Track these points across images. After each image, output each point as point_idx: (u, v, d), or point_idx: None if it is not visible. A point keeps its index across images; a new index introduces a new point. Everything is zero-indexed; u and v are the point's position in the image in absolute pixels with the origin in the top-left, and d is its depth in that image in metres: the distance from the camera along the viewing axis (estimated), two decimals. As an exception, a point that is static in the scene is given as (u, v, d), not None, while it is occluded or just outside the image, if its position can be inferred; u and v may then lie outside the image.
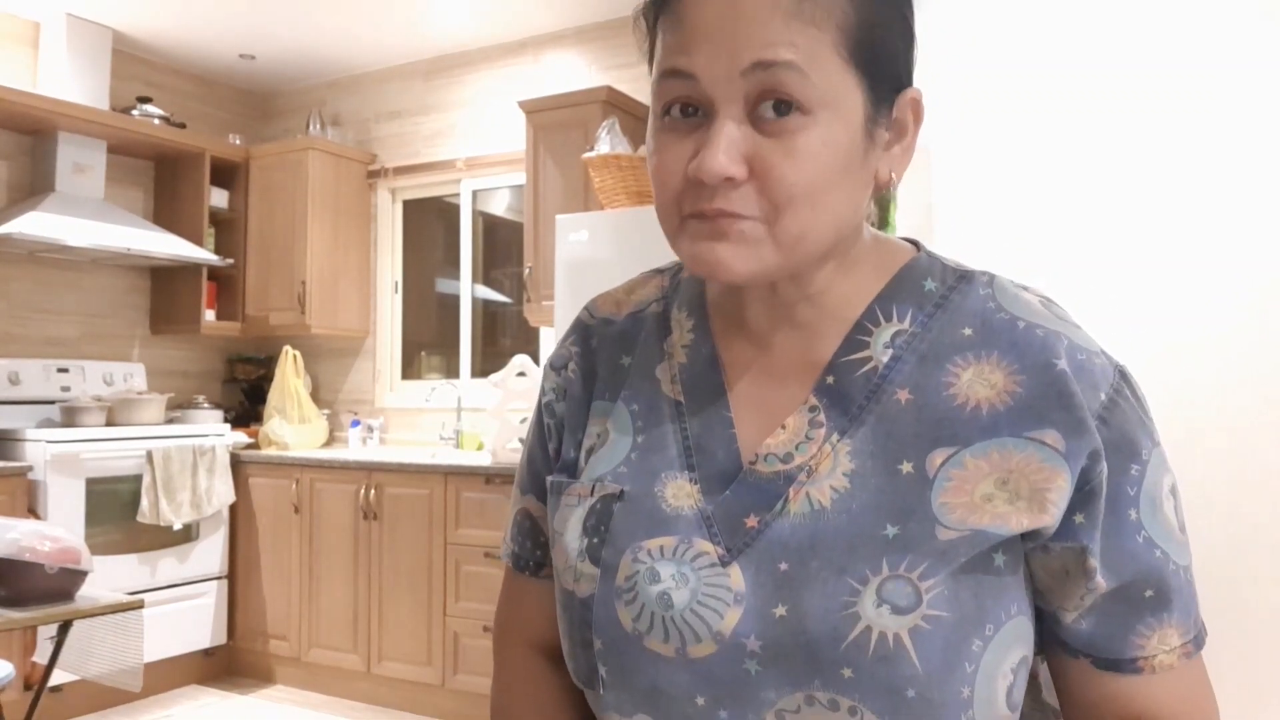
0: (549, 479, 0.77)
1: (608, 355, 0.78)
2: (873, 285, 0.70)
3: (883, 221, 2.80)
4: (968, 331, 0.67)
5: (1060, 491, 0.63)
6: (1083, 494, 0.63)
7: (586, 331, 0.81)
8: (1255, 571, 2.50)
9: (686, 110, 0.64)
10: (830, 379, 0.68)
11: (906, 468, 0.64)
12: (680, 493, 0.69)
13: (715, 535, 0.67)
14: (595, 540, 0.70)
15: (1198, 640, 0.67)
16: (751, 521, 0.66)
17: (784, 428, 0.68)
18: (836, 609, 0.61)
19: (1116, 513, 0.64)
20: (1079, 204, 2.77)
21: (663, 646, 0.65)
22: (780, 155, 0.61)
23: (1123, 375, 0.67)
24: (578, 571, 0.70)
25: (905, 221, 2.98)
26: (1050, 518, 0.63)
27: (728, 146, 0.61)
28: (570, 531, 0.72)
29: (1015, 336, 0.66)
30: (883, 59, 0.65)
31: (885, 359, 0.68)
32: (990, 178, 2.89)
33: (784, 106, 0.61)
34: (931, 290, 0.70)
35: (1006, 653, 0.63)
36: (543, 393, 0.82)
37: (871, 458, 0.65)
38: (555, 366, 0.81)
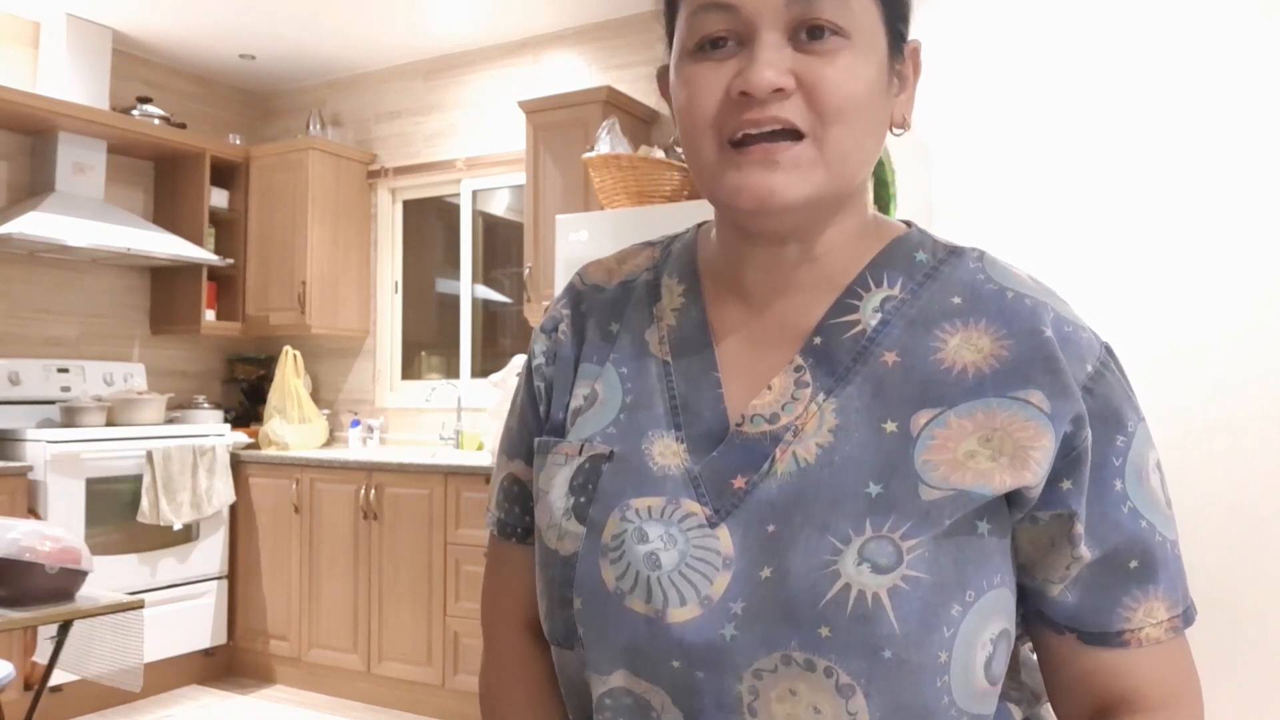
0: (536, 440, 0.77)
1: (597, 321, 0.79)
2: (866, 253, 0.72)
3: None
4: (957, 300, 0.68)
5: (1044, 450, 0.63)
6: (1068, 460, 0.64)
7: (577, 296, 0.81)
8: (1256, 569, 2.50)
9: (719, 43, 0.65)
10: (818, 340, 0.69)
11: (891, 427, 0.65)
12: (667, 451, 0.69)
13: (703, 496, 0.67)
14: (582, 499, 0.70)
15: (1186, 616, 0.67)
16: (739, 482, 0.66)
17: (770, 388, 0.68)
18: (817, 566, 0.61)
19: (1102, 482, 0.65)
20: (1080, 203, 2.77)
21: (643, 607, 0.65)
22: (829, 69, 0.63)
23: (1108, 350, 0.68)
24: (562, 530, 0.70)
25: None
26: (1032, 475, 0.63)
27: (774, 60, 0.62)
28: (556, 490, 0.72)
29: (1003, 305, 0.67)
30: (897, 1, 0.68)
31: (874, 323, 0.69)
32: (991, 177, 2.89)
33: (821, 31, 0.63)
34: (923, 261, 0.71)
35: (986, 622, 0.63)
36: (532, 355, 0.81)
37: (856, 414, 0.66)
38: (545, 330, 0.81)
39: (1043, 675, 0.71)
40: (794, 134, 0.63)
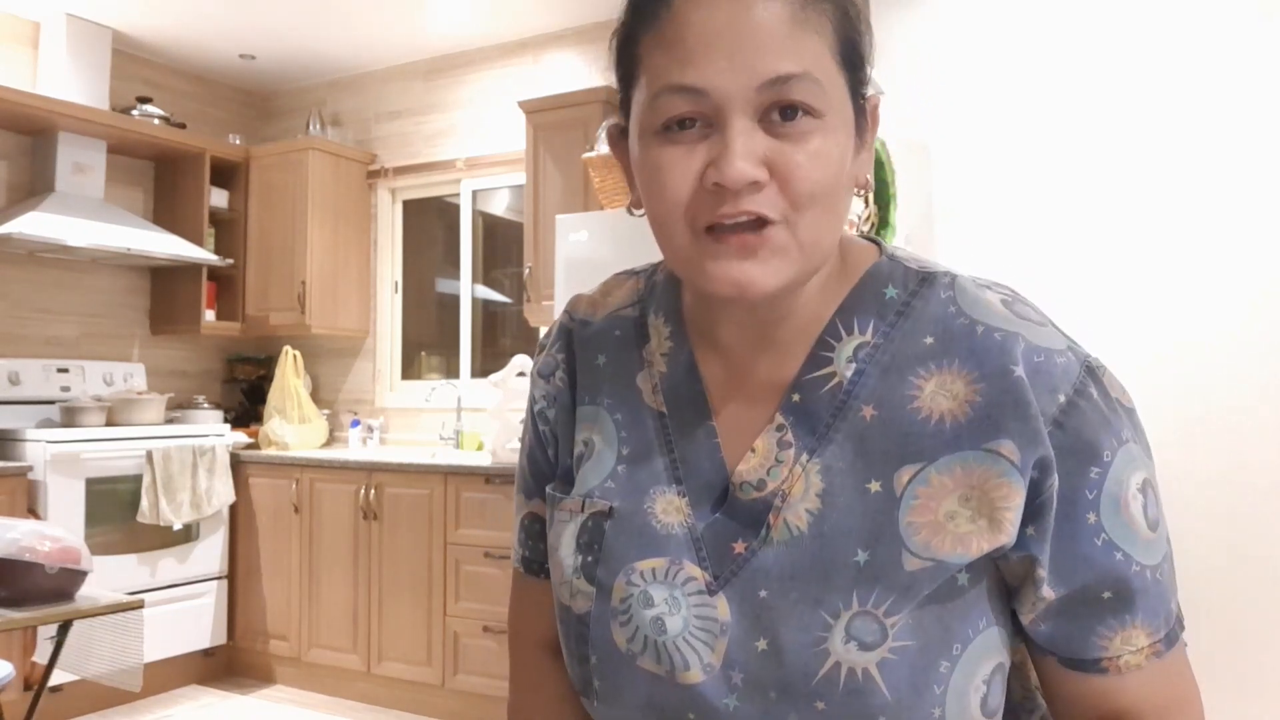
0: (547, 490, 0.79)
1: (585, 357, 0.79)
2: (837, 295, 0.70)
3: (883, 221, 2.80)
4: (929, 340, 0.67)
5: (1016, 510, 0.63)
6: (1034, 507, 0.64)
7: (569, 336, 0.81)
8: (1258, 569, 2.50)
9: (686, 123, 0.63)
10: (796, 397, 0.69)
11: (875, 486, 0.65)
12: (670, 507, 0.70)
13: (704, 560, 0.68)
14: (589, 559, 0.71)
15: (1169, 638, 0.66)
16: (739, 547, 0.67)
17: (754, 450, 0.68)
18: (809, 644, 0.63)
19: (1072, 518, 0.64)
20: (1080, 202, 2.77)
21: (655, 667, 0.67)
22: (801, 156, 0.61)
23: (1089, 371, 0.65)
24: (573, 588, 0.72)
25: (905, 221, 2.98)
26: (1007, 536, 0.63)
27: (747, 151, 0.60)
28: (565, 547, 0.73)
29: (974, 343, 0.65)
30: (859, 63, 0.66)
31: (849, 373, 0.68)
32: (990, 176, 2.89)
33: (794, 111, 0.61)
34: (893, 298, 0.69)
35: (977, 667, 0.65)
36: (533, 400, 0.82)
37: (840, 476, 0.66)
38: (544, 374, 0.81)
39: (1041, 688, 0.72)
40: (765, 222, 0.62)
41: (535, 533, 0.83)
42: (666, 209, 0.64)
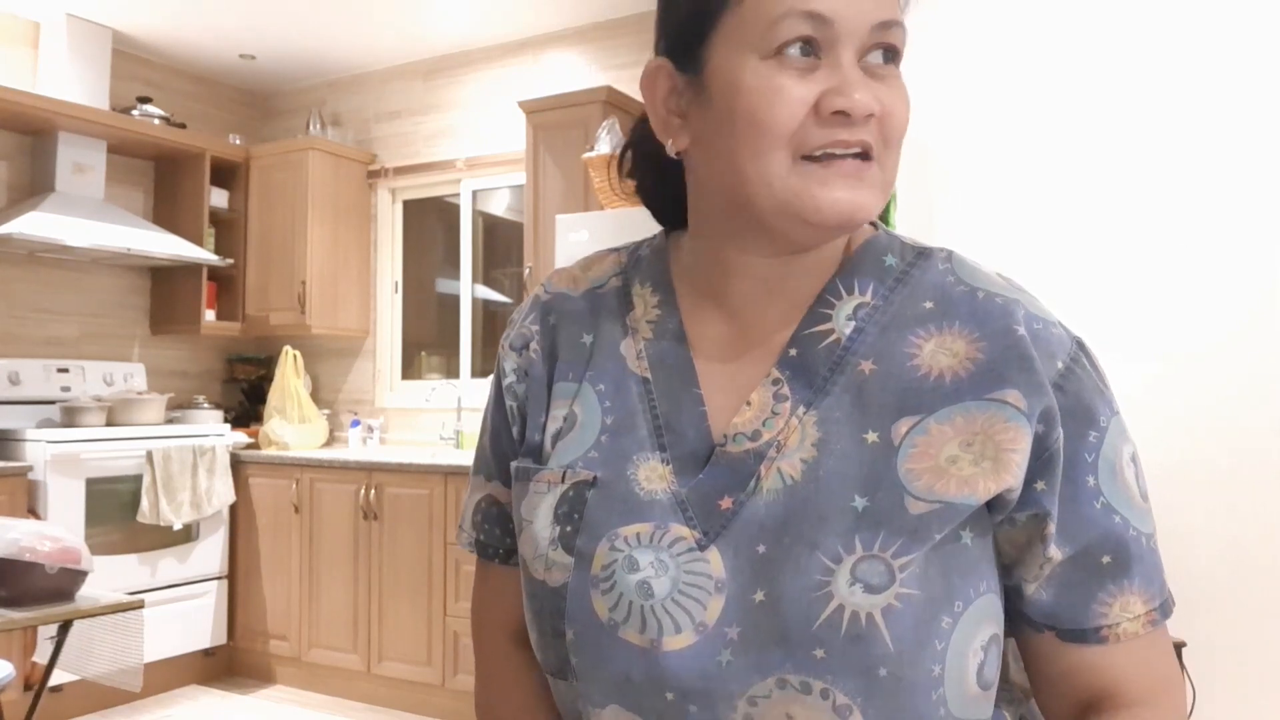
0: (514, 464, 0.76)
1: (568, 333, 0.77)
2: (836, 259, 0.72)
3: (883, 220, 2.80)
4: (928, 305, 0.69)
5: (1023, 453, 0.63)
6: (1041, 460, 0.64)
7: (545, 308, 0.79)
8: (1258, 567, 2.50)
9: (806, 50, 0.64)
10: (793, 351, 0.69)
11: (872, 437, 0.65)
12: (653, 474, 0.69)
13: (691, 519, 0.66)
14: (569, 528, 0.69)
15: (1164, 609, 0.67)
16: (726, 503, 0.66)
17: (749, 404, 0.68)
18: (811, 588, 0.61)
19: (1074, 479, 0.65)
20: (1081, 201, 2.77)
21: (637, 638, 0.65)
22: (896, 96, 0.65)
23: (1080, 345, 0.68)
24: (549, 560, 0.69)
25: (906, 220, 2.98)
26: (1013, 478, 0.63)
27: (864, 82, 0.63)
28: (540, 519, 0.71)
29: (975, 306, 0.68)
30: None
31: (848, 330, 0.69)
32: (990, 176, 2.89)
33: (891, 54, 0.65)
34: (892, 265, 0.71)
35: (976, 630, 0.64)
36: (502, 374, 0.79)
37: (837, 425, 0.66)
38: (515, 347, 0.79)
39: (1027, 672, 0.72)
40: (867, 155, 0.64)
41: (493, 517, 0.81)
42: (769, 132, 0.63)
